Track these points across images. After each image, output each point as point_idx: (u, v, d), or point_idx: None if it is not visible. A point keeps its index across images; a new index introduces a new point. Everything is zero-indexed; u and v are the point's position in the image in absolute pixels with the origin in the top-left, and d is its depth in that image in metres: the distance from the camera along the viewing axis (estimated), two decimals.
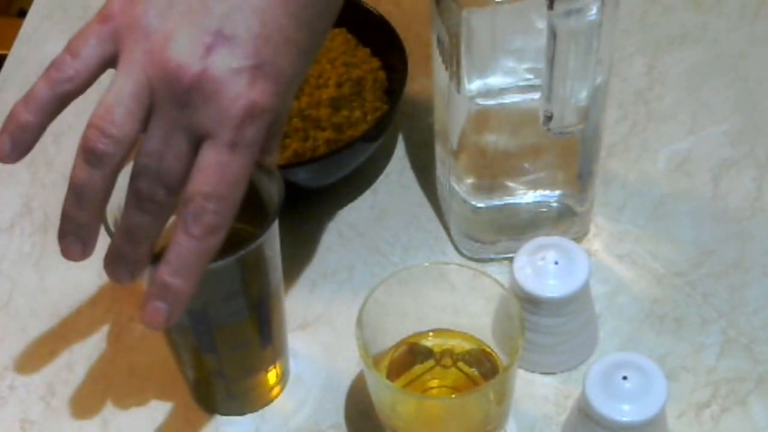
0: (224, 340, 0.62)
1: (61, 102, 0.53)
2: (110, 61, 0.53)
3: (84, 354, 0.70)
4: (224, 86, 0.50)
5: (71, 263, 0.74)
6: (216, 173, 0.51)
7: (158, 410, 0.68)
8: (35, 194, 0.79)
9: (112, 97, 0.51)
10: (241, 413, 0.67)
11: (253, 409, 0.67)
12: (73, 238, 0.54)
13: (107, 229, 0.57)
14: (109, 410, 0.68)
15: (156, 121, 0.51)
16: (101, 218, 0.54)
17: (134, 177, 0.52)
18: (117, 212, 0.58)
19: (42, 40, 0.90)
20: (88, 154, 0.51)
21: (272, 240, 0.60)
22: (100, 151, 0.51)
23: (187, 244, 0.52)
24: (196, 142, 0.51)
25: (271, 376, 0.67)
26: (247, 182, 0.52)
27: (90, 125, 0.51)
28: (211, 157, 0.51)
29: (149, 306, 0.53)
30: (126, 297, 0.72)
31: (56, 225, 0.77)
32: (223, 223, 0.52)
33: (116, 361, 0.70)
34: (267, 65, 0.51)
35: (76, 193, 0.53)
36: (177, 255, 0.52)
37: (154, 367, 0.69)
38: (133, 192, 0.52)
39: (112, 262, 0.55)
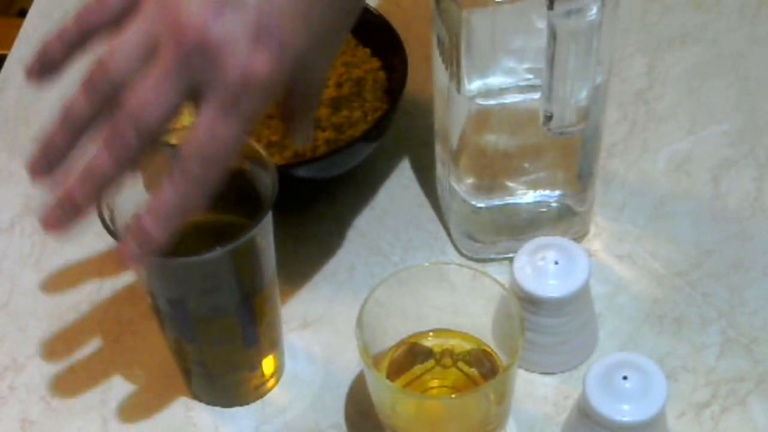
0: (205, 333, 0.63)
1: (85, 31, 0.56)
2: (131, 8, 0.54)
3: (84, 354, 0.70)
4: (226, 51, 0.51)
5: (71, 263, 0.75)
6: (205, 135, 0.52)
7: (158, 410, 0.68)
8: (35, 194, 0.79)
9: (119, 41, 0.53)
10: (225, 406, 0.67)
11: (238, 404, 0.67)
12: (42, 155, 0.55)
13: (104, 224, 0.57)
14: (109, 410, 0.68)
15: (155, 68, 0.52)
16: (73, 147, 0.55)
17: (114, 113, 0.53)
18: (113, 209, 0.59)
19: (42, 40, 0.90)
20: (84, 83, 0.54)
21: (265, 233, 0.60)
22: (95, 80, 0.53)
23: (169, 195, 0.53)
24: (190, 98, 0.52)
25: (257, 375, 0.67)
26: (238, 149, 0.54)
27: (94, 62, 0.54)
28: (203, 118, 0.52)
29: (123, 243, 0.55)
30: (126, 297, 0.72)
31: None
32: (207, 183, 0.53)
33: (116, 361, 0.70)
34: (271, 35, 0.52)
35: (61, 114, 0.54)
36: (159, 201, 0.54)
37: (154, 367, 0.69)
38: (107, 126, 0.53)
39: (54, 201, 0.55)
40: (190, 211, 0.54)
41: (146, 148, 0.53)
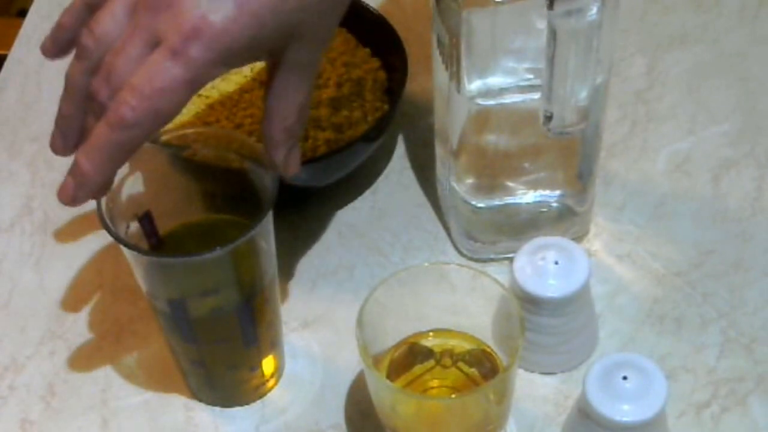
0: (205, 333, 0.63)
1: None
2: None
3: (84, 354, 0.70)
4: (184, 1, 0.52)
5: (71, 263, 0.75)
6: (148, 72, 0.53)
7: (158, 410, 0.68)
8: (35, 194, 0.79)
9: (107, 5, 0.55)
10: (225, 406, 0.67)
11: (238, 404, 0.67)
12: (57, 129, 0.57)
13: (104, 224, 0.57)
14: (109, 410, 0.68)
15: (129, 23, 0.54)
16: (81, 112, 0.56)
17: (92, 73, 0.55)
18: (113, 209, 0.59)
19: (42, 40, 0.90)
20: (77, 49, 0.56)
21: (265, 233, 0.60)
22: (83, 45, 0.55)
23: (101, 130, 0.53)
24: (153, 47, 0.53)
25: (257, 375, 0.67)
26: (180, 102, 0.53)
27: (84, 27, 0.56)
28: (152, 59, 0.53)
29: (64, 180, 0.55)
30: (126, 297, 0.72)
31: (56, 225, 0.78)
32: (138, 123, 0.53)
33: (116, 361, 0.70)
34: None
35: (65, 86, 0.56)
36: (93, 137, 0.54)
37: (154, 367, 0.69)
38: (88, 86, 0.55)
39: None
40: (126, 151, 0.54)
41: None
